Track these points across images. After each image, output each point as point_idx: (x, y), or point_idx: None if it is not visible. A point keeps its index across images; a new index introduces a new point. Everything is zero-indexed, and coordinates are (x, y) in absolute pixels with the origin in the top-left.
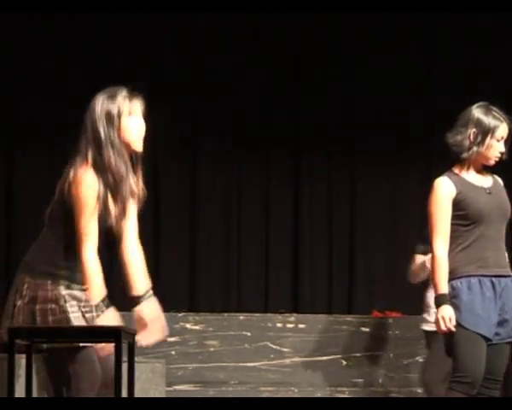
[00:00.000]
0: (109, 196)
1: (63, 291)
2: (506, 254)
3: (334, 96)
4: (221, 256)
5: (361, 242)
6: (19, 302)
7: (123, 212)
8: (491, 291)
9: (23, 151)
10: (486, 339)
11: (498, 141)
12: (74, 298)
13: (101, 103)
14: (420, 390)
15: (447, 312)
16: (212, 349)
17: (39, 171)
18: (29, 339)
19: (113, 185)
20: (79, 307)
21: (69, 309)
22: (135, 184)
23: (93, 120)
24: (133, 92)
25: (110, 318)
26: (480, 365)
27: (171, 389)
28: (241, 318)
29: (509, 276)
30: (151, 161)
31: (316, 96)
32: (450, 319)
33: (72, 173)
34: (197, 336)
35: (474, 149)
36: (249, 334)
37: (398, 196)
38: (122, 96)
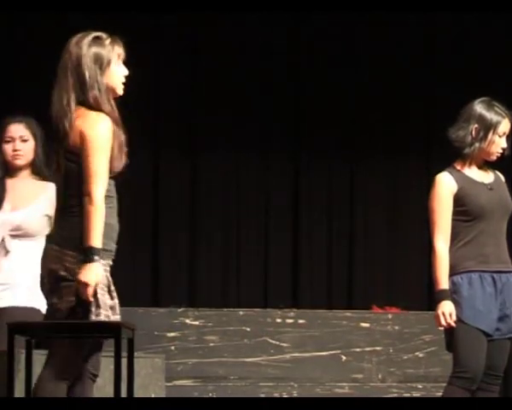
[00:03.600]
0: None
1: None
2: (507, 250)
3: (334, 94)
4: (221, 252)
5: (360, 237)
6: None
7: (123, 157)
8: (492, 287)
9: None
10: (487, 335)
11: (500, 136)
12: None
13: (87, 46)
14: (420, 386)
15: (447, 307)
16: (211, 345)
17: None
18: (29, 335)
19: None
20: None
21: None
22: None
23: (80, 63)
24: (117, 37)
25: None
26: (480, 360)
27: (170, 384)
28: (241, 313)
29: (509, 272)
30: (151, 161)
31: (316, 95)
32: (450, 315)
33: (80, 122)
34: (197, 331)
35: (476, 144)
36: (249, 329)
37: (398, 193)
38: (110, 41)
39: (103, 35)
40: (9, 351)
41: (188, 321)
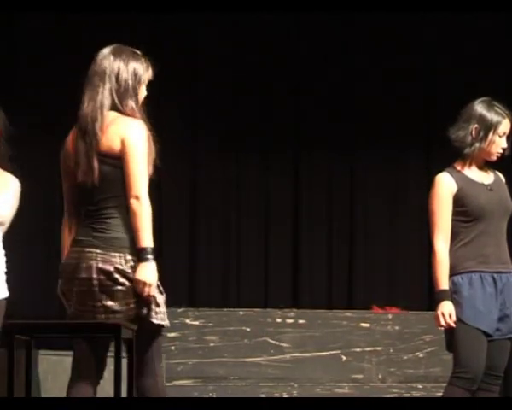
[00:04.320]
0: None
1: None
2: (507, 250)
3: (333, 95)
4: (221, 252)
5: (361, 238)
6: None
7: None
8: (493, 287)
9: None
10: (487, 335)
11: (501, 137)
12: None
13: (127, 58)
14: (420, 386)
15: (447, 308)
16: (211, 345)
17: None
18: (29, 334)
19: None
20: None
21: None
22: None
23: (121, 72)
24: (148, 61)
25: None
26: (480, 360)
27: (170, 384)
28: (241, 313)
29: (510, 272)
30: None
31: (315, 95)
32: (450, 315)
33: (118, 127)
34: (197, 331)
35: (477, 144)
36: (249, 329)
37: (398, 194)
38: (145, 61)
39: (139, 52)
40: (9, 351)
41: (188, 321)
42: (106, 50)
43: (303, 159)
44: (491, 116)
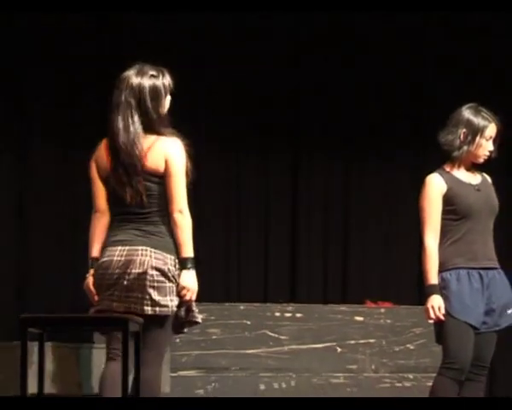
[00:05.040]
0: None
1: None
2: (493, 247)
3: (331, 99)
4: (223, 250)
5: (355, 236)
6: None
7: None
8: (479, 283)
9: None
10: (474, 328)
11: (487, 140)
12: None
13: (147, 80)
14: (411, 376)
15: (437, 301)
16: (214, 337)
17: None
18: (41, 328)
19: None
20: None
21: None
22: None
23: (144, 95)
24: (167, 71)
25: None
26: (468, 352)
27: (175, 374)
28: (242, 307)
29: (496, 268)
30: None
31: (314, 99)
32: (439, 309)
33: (161, 148)
34: (200, 324)
35: (465, 147)
36: (249, 323)
37: (391, 195)
38: (164, 75)
39: (158, 68)
40: (22, 344)
41: None
42: (129, 72)
43: (302, 159)
44: (478, 121)
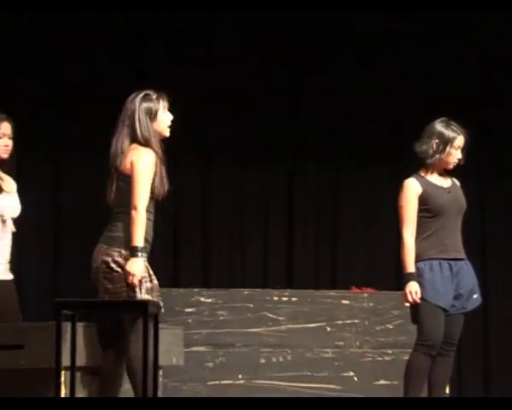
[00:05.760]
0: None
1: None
2: (461, 241)
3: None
4: (229, 243)
5: (343, 232)
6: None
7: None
8: (449, 271)
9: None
10: (445, 310)
11: (456, 149)
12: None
13: (139, 102)
14: (390, 351)
15: (413, 287)
16: (221, 318)
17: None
18: (73, 310)
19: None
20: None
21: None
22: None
23: (134, 115)
24: (160, 93)
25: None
26: (439, 331)
27: (188, 350)
28: (245, 292)
29: (463, 259)
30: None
31: (312, 106)
32: (416, 293)
33: (132, 154)
34: (209, 307)
35: (437, 156)
36: (251, 305)
37: (374, 197)
38: (156, 96)
39: (151, 92)
40: (57, 324)
41: (202, 299)
42: (129, 98)
43: (297, 163)
44: (449, 133)
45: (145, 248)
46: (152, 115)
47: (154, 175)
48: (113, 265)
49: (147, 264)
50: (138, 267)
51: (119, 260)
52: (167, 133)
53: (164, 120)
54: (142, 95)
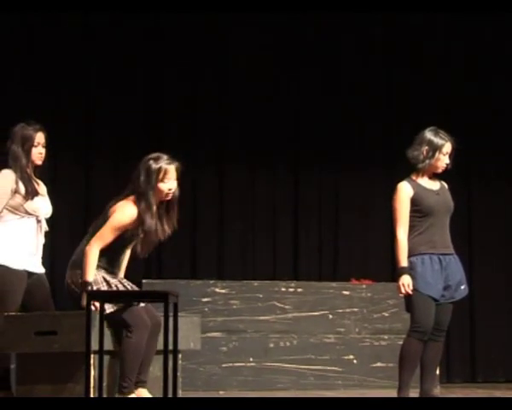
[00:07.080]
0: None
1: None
2: (449, 237)
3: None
4: (241, 241)
5: (344, 230)
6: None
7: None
8: (439, 265)
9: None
10: (435, 300)
11: (444, 155)
12: (105, 280)
13: (146, 163)
14: (386, 337)
15: (406, 280)
16: (234, 307)
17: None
18: (101, 299)
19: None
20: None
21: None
22: (162, 226)
23: (139, 176)
24: (171, 159)
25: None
26: (430, 318)
27: (204, 335)
28: (256, 284)
29: (451, 254)
30: (189, 175)
31: (314, 115)
32: (408, 285)
33: (116, 204)
34: (223, 297)
35: (427, 161)
36: (261, 296)
37: (369, 201)
38: (163, 161)
39: (161, 155)
40: (87, 312)
41: (217, 290)
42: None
43: (301, 164)
44: (437, 140)
45: (107, 270)
46: (152, 181)
47: (133, 231)
48: (72, 286)
49: (103, 275)
50: (84, 300)
51: (77, 280)
52: (165, 198)
53: (163, 188)
54: (153, 157)
